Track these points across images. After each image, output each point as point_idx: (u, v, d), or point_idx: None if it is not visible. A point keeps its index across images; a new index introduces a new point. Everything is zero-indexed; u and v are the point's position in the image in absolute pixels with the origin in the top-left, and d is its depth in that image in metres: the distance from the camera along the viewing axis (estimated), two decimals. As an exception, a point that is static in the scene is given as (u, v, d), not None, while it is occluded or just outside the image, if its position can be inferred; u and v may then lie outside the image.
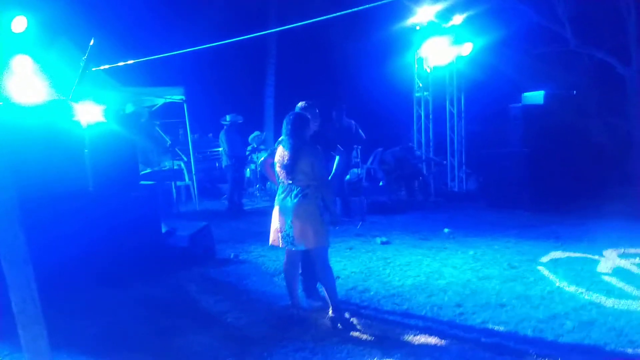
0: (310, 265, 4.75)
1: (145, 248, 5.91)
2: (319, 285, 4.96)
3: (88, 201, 5.41)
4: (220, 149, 10.66)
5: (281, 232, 4.32)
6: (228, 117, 10.25)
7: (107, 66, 7.50)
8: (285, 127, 4.31)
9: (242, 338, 4.20)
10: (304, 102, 4.79)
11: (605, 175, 10.24)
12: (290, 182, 4.27)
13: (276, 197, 4.42)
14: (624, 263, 5.87)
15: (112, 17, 11.92)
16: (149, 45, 10.04)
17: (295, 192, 4.24)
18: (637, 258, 6.02)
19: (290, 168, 4.24)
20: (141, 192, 6.20)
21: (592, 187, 9.75)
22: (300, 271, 4.67)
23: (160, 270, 5.92)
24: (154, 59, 8.25)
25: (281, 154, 4.33)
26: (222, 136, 10.22)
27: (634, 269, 5.63)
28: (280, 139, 4.56)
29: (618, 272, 5.55)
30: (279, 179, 4.42)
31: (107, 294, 5.14)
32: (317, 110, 4.79)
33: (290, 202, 4.24)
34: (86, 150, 5.48)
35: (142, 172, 8.72)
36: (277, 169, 4.37)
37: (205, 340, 4.19)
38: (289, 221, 4.24)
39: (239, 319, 4.61)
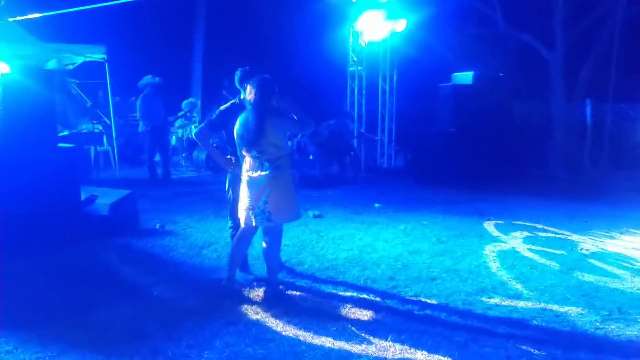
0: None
1: (61, 216, 5.50)
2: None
3: (-2, 162, 4.92)
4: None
5: (254, 209, 4.05)
6: (144, 80, 9.67)
7: (23, 17, 6.86)
8: (250, 94, 4.00)
9: (171, 311, 4.00)
10: (244, 68, 4.46)
11: (526, 156, 10.70)
12: (259, 155, 4.00)
13: (243, 173, 4.11)
14: (545, 238, 6.14)
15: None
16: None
17: (266, 165, 3.98)
18: (557, 234, 6.33)
19: (257, 141, 3.95)
20: (59, 155, 5.73)
21: (513, 167, 10.16)
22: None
23: (78, 240, 5.56)
24: (74, 12, 7.64)
25: (244, 125, 4.02)
26: (137, 101, 9.66)
27: (555, 245, 5.89)
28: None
29: (539, 247, 5.79)
30: (239, 152, 4.13)
31: (18, 264, 4.73)
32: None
33: (263, 176, 3.98)
34: (-3, 107, 4.96)
35: (60, 134, 8.11)
36: (239, 142, 4.07)
37: (130, 313, 3.96)
38: (263, 197, 3.99)
39: (166, 292, 4.39)
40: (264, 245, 4.24)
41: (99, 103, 11.38)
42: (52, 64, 9.40)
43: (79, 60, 9.68)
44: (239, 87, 4.46)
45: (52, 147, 5.73)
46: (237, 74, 4.48)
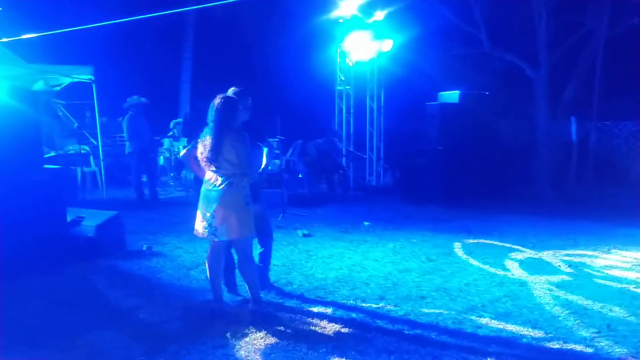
0: (231, 258, 4.56)
1: (47, 238, 5.44)
2: (239, 279, 4.77)
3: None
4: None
5: (203, 221, 4.09)
6: (129, 100, 9.67)
7: (9, 39, 6.84)
8: (210, 112, 4.07)
9: (156, 335, 3.93)
10: (235, 88, 4.51)
11: (512, 174, 10.79)
12: (215, 170, 4.05)
13: (202, 187, 4.17)
14: (533, 257, 6.16)
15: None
16: (56, 18, 9.28)
17: (220, 181, 4.03)
18: (545, 252, 6.35)
19: (214, 156, 4.01)
20: (45, 177, 5.67)
21: (500, 185, 10.24)
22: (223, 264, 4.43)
23: (64, 262, 5.49)
24: (61, 33, 7.62)
25: (205, 141, 4.08)
26: (124, 122, 9.65)
27: (543, 263, 5.92)
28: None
29: (528, 266, 5.81)
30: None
31: (5, 285, 4.66)
32: (250, 100, 4.54)
33: (215, 191, 4.04)
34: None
35: (46, 155, 8.04)
36: (200, 156, 4.12)
37: (115, 337, 3.88)
38: (211, 210, 4.04)
39: (153, 315, 4.33)
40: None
41: (86, 124, 11.34)
42: (38, 86, 9.36)
43: (66, 81, 9.63)
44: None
45: (38, 168, 5.68)
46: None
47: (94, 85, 9.39)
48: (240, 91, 4.47)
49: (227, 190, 4.01)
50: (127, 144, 9.63)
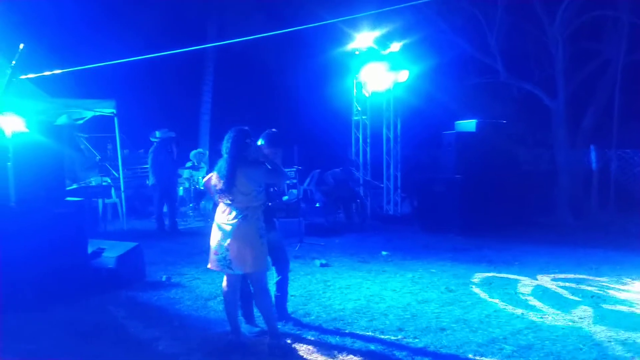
0: (248, 289, 4.57)
1: (69, 269, 5.51)
2: (257, 310, 4.77)
3: (9, 217, 4.99)
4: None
5: (217, 254, 4.10)
6: (158, 133, 9.88)
7: (34, 75, 7.06)
8: (224, 144, 4.12)
9: (176, 367, 3.94)
10: (273, 130, 4.56)
11: (532, 202, 10.69)
12: (229, 202, 4.09)
13: (215, 218, 4.21)
14: (555, 287, 6.06)
15: (40, 23, 11.29)
16: (79, 54, 9.58)
17: (234, 214, 4.05)
18: (567, 282, 6.24)
19: (227, 188, 4.04)
20: (67, 209, 5.78)
21: (519, 213, 10.13)
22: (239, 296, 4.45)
23: (85, 293, 5.54)
24: (84, 69, 7.84)
25: (217, 173, 4.13)
26: (150, 153, 9.84)
27: (565, 293, 5.81)
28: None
29: (550, 296, 5.71)
30: (215, 198, 4.24)
31: (27, 317, 4.73)
32: (280, 151, 4.57)
33: (228, 224, 4.05)
34: (9, 163, 5.06)
35: (68, 188, 8.20)
36: (214, 188, 4.15)
37: (134, 370, 3.90)
38: (225, 244, 4.04)
39: (171, 346, 4.34)
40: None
41: (107, 156, 11.56)
42: (62, 120, 9.61)
43: (89, 115, 9.88)
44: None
45: (61, 201, 5.80)
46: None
47: (115, 119, 9.61)
48: (274, 137, 4.54)
49: (241, 223, 4.02)
50: (150, 175, 9.79)
